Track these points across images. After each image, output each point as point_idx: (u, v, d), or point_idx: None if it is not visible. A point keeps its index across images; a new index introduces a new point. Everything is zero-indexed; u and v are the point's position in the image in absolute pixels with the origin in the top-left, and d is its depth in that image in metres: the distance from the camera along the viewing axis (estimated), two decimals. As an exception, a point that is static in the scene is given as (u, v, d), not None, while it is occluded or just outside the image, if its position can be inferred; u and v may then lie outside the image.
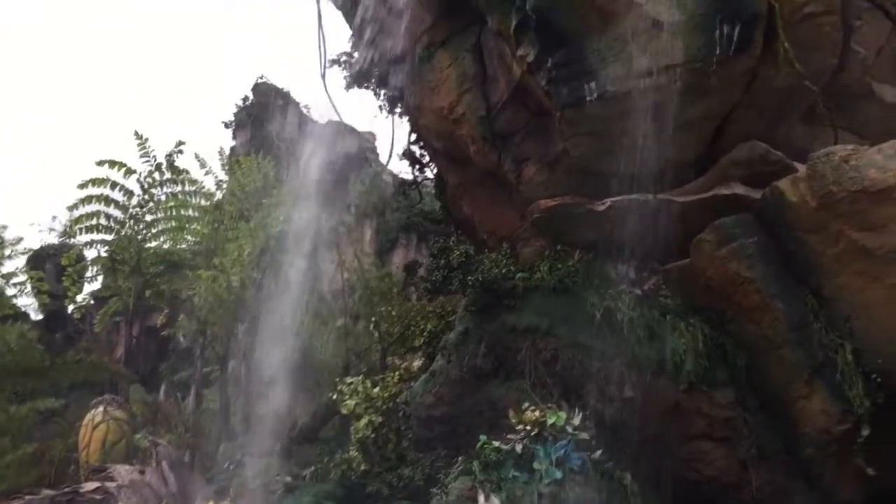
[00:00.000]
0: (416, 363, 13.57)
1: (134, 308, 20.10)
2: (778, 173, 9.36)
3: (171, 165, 15.99)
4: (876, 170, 8.13)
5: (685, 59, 9.17)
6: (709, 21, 9.06)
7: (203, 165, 17.80)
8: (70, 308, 25.10)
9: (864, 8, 9.60)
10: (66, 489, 12.12)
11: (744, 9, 9.10)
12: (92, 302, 24.75)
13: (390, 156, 37.00)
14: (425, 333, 14.58)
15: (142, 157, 15.98)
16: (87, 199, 16.96)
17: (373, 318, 17.07)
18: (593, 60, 9.63)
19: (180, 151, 15.97)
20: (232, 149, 30.59)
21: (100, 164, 16.31)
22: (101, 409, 15.90)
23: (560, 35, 9.79)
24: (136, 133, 15.88)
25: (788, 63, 9.19)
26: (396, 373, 13.61)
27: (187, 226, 18.70)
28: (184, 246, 19.64)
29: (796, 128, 10.06)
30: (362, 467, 12.69)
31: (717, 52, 9.06)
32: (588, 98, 9.70)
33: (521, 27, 10.05)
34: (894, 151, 8.16)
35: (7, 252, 18.95)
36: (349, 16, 14.32)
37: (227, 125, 33.73)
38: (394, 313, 16.63)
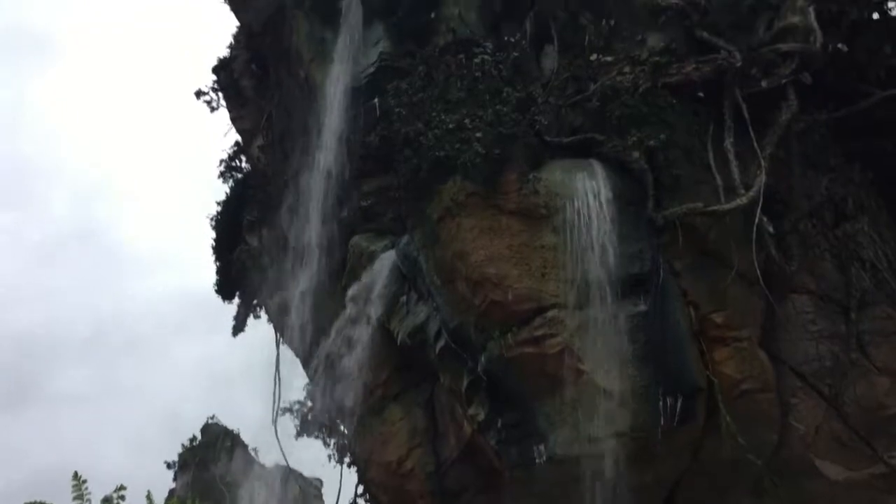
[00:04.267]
0: None
1: None
2: (731, 548, 9.17)
3: (111, 513, 15.11)
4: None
5: (631, 428, 9.40)
6: (652, 392, 9.44)
7: (129, 513, 16.83)
8: None
9: (798, 387, 10.11)
10: None
11: (684, 382, 9.55)
12: None
13: (337, 504, 35.51)
14: None
15: (75, 499, 15.11)
16: (6, 542, 15.75)
17: None
18: (543, 423, 9.82)
19: (122, 497, 15.19)
20: (171, 491, 29.31)
21: (30, 505, 15.39)
22: None
23: (510, 397, 10.07)
24: (76, 474, 15.21)
25: (731, 436, 9.44)
26: None
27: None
28: None
29: (745, 498, 10.05)
30: None
31: (662, 422, 9.33)
32: (537, 460, 9.74)
33: (472, 387, 10.36)
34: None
35: None
36: (306, 363, 14.67)
37: (169, 466, 32.63)
38: None
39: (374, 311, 11.51)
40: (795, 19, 10.68)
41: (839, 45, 10.78)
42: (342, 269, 12.64)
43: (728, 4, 11.39)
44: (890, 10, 11.87)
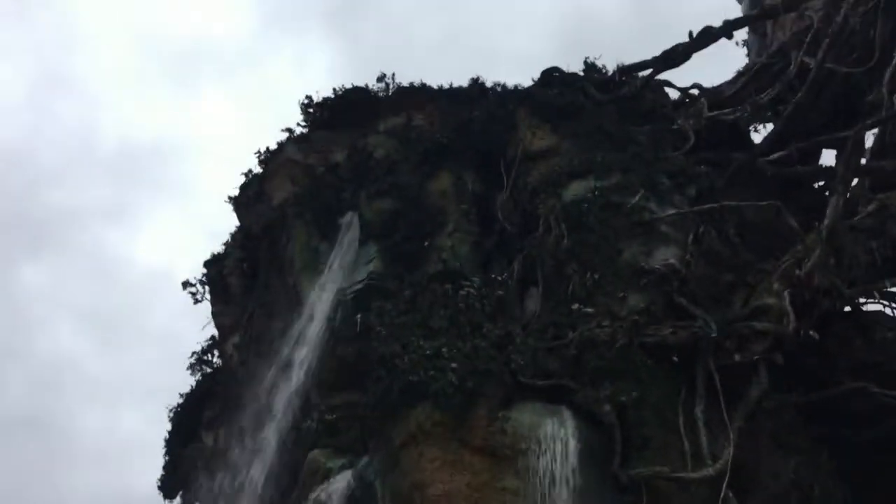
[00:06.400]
0: None
1: None
2: None
3: None
4: None
5: None
6: None
7: None
8: None
9: None
10: None
11: None
12: None
13: None
14: None
15: None
16: None
17: None
18: None
19: None
20: None
21: None
22: None
23: None
24: None
25: None
26: None
27: None
28: None
29: None
30: None
31: None
32: None
33: None
34: None
35: None
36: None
37: None
38: None
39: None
40: (770, 300, 11.10)
41: (811, 332, 11.09)
42: (295, 482, 12.16)
43: (707, 276, 11.89)
44: (861, 304, 12.40)
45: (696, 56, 16.53)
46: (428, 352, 10.82)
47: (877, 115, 13.67)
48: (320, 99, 16.55)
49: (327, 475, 11.40)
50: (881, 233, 11.99)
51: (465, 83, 16.41)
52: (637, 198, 12.80)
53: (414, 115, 15.77)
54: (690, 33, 16.31)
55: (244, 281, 15.68)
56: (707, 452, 10.11)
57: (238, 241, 16.19)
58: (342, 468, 11.34)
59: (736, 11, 18.55)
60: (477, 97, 16.04)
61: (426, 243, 13.57)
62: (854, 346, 11.53)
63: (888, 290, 12.10)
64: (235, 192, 16.76)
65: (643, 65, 16.43)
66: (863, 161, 13.45)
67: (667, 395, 10.75)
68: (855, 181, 13.45)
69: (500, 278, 12.70)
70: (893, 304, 12.14)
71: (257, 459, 12.97)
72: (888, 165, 13.53)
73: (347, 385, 12.17)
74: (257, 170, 16.47)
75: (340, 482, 11.05)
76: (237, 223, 16.84)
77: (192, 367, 16.18)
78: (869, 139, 14.33)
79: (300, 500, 11.58)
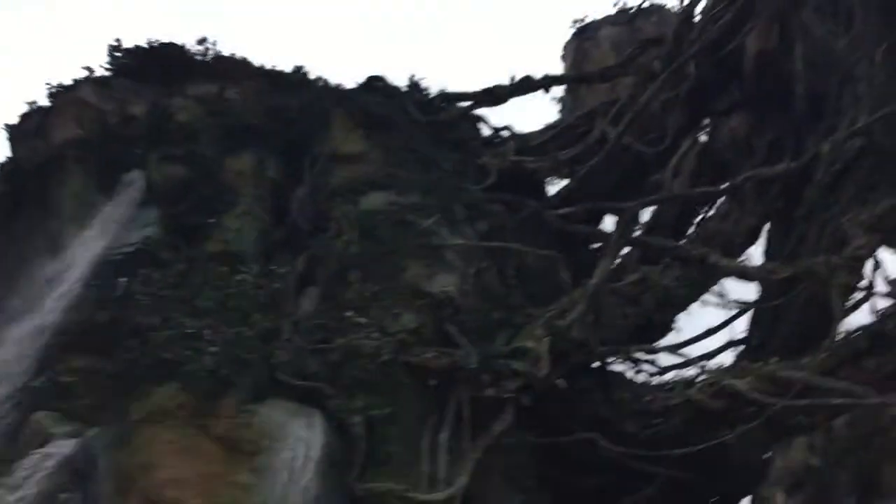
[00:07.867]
0: None
1: None
2: None
3: None
4: None
5: None
6: None
7: None
8: None
9: None
10: None
11: None
12: None
13: None
14: None
15: None
16: None
17: None
18: None
19: None
20: None
21: None
22: None
23: None
24: None
25: None
26: None
27: None
28: None
29: None
30: None
31: None
32: None
33: None
34: None
35: None
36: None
37: None
38: None
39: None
40: (530, 344, 11.67)
41: (560, 380, 11.73)
42: (14, 444, 11.14)
43: (479, 311, 12.35)
44: (608, 363, 13.33)
45: (512, 101, 17.31)
46: (189, 331, 10.42)
47: (657, 194, 14.93)
48: (131, 45, 15.52)
49: (48, 440, 10.55)
50: (638, 302, 13.01)
51: (288, 69, 16.08)
52: (431, 221, 13.09)
53: (228, 87, 15.16)
54: (512, 77, 17.08)
55: (2, 217, 14.27)
56: (443, 478, 10.40)
57: (5, 173, 14.72)
58: (66, 436, 10.53)
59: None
60: (297, 86, 15.75)
61: (212, 220, 13.06)
62: (594, 400, 12.33)
63: (633, 355, 13.09)
64: (14, 121, 15.25)
65: (463, 96, 16.96)
66: (636, 233, 14.60)
67: (418, 416, 10.97)
68: (626, 250, 14.57)
69: (280, 271, 12.47)
70: (635, 369, 13.15)
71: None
72: (656, 242, 14.78)
73: (93, 349, 11.33)
74: (44, 102, 15.10)
75: (61, 450, 10.25)
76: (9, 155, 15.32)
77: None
78: (646, 215, 15.68)
79: (14, 463, 10.63)
